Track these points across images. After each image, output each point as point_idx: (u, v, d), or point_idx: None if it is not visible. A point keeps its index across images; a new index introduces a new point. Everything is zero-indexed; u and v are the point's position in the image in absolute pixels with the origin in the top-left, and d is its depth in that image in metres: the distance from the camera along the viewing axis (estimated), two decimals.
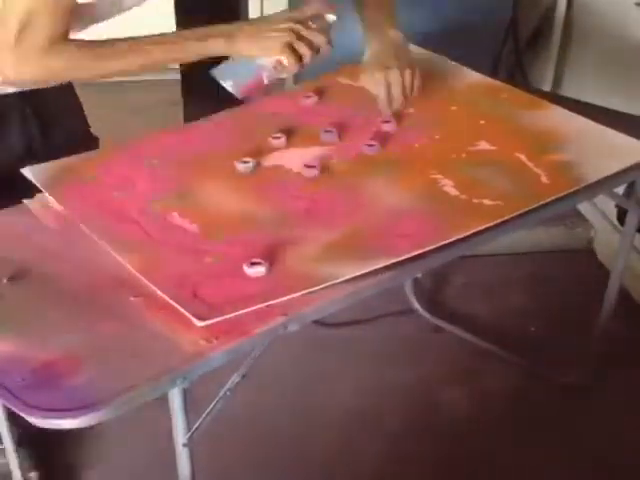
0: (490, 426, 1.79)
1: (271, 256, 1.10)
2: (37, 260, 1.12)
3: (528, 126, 1.44)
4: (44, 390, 0.91)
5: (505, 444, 1.74)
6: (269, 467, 1.69)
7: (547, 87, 2.51)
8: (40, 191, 1.25)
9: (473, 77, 1.61)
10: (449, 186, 1.28)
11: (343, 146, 1.39)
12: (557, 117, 1.48)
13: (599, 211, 2.32)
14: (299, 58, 1.26)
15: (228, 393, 1.07)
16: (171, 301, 1.02)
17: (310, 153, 1.35)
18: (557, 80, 2.54)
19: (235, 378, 1.08)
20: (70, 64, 1.23)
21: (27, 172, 1.28)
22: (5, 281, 1.08)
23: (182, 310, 1.00)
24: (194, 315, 0.99)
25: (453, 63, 1.65)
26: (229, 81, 1.29)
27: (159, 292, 1.04)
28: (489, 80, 1.61)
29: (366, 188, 1.28)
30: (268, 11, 1.51)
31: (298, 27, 1.26)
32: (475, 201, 1.24)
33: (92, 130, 1.59)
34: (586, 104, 1.61)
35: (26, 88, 1.34)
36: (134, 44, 1.25)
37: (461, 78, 1.61)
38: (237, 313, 1.00)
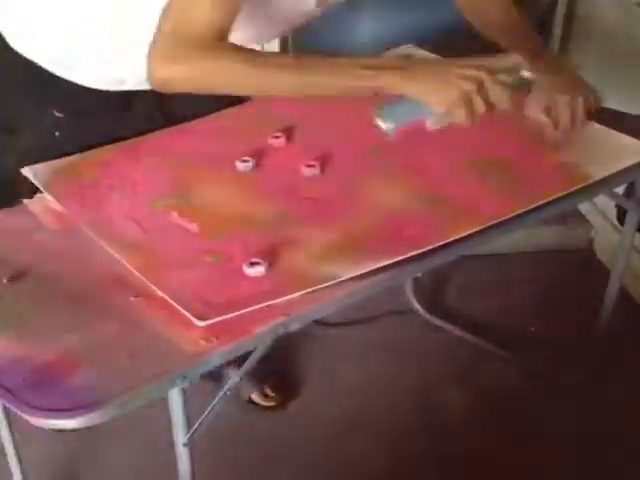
0: (489, 426, 1.79)
1: (271, 256, 1.10)
2: (37, 260, 1.12)
3: (528, 126, 1.44)
4: (44, 390, 0.91)
5: (504, 444, 1.74)
6: (268, 467, 1.69)
7: None
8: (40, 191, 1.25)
9: None
10: (449, 186, 1.27)
11: (343, 146, 1.39)
12: None
13: (599, 211, 2.32)
14: (472, 112, 1.08)
15: (228, 393, 1.07)
16: (171, 301, 1.02)
17: (310, 153, 1.35)
18: None
19: (235, 378, 1.08)
20: (225, 68, 1.06)
21: (27, 172, 1.28)
22: (5, 281, 1.08)
23: (182, 310, 1.00)
24: (194, 315, 0.99)
25: None
26: (391, 124, 1.11)
27: (159, 292, 1.04)
28: None
29: (366, 188, 1.27)
30: None
31: (484, 77, 1.07)
32: (475, 201, 1.24)
33: None
34: None
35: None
36: (301, 60, 1.10)
37: None
38: (237, 313, 1.00)
